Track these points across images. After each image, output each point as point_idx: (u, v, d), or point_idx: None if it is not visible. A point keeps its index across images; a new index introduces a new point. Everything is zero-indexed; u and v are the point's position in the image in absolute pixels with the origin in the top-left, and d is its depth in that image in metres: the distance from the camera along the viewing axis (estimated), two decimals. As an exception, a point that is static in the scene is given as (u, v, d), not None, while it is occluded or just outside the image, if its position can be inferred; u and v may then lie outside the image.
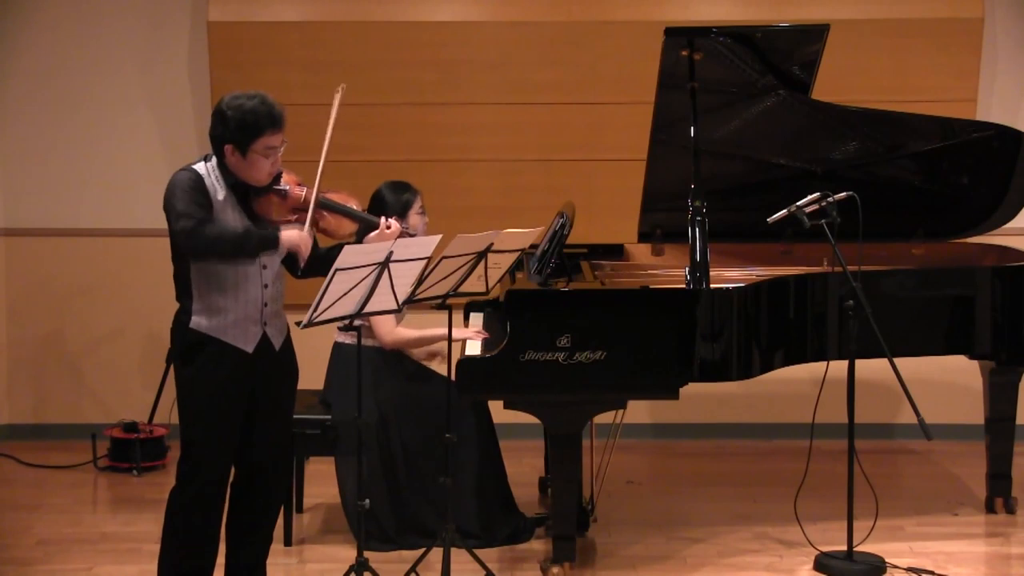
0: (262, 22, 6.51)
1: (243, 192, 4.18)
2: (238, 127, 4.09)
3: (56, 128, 6.69)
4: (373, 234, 4.37)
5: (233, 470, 4.33)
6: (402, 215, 5.09)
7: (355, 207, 4.36)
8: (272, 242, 4.14)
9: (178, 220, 4.03)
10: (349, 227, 4.33)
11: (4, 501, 5.85)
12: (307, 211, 4.19)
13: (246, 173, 4.15)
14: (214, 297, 4.13)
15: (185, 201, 4.05)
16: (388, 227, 4.37)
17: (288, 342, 4.35)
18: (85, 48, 6.65)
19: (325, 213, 4.28)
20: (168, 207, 4.08)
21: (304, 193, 4.24)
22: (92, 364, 6.79)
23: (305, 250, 4.17)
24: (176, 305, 4.22)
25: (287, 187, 4.22)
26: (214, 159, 4.18)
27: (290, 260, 4.27)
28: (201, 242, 4.04)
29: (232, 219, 4.13)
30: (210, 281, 4.13)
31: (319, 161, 4.21)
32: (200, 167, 4.16)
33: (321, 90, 6.47)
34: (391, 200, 5.10)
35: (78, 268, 6.75)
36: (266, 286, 4.21)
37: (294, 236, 4.15)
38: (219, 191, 4.13)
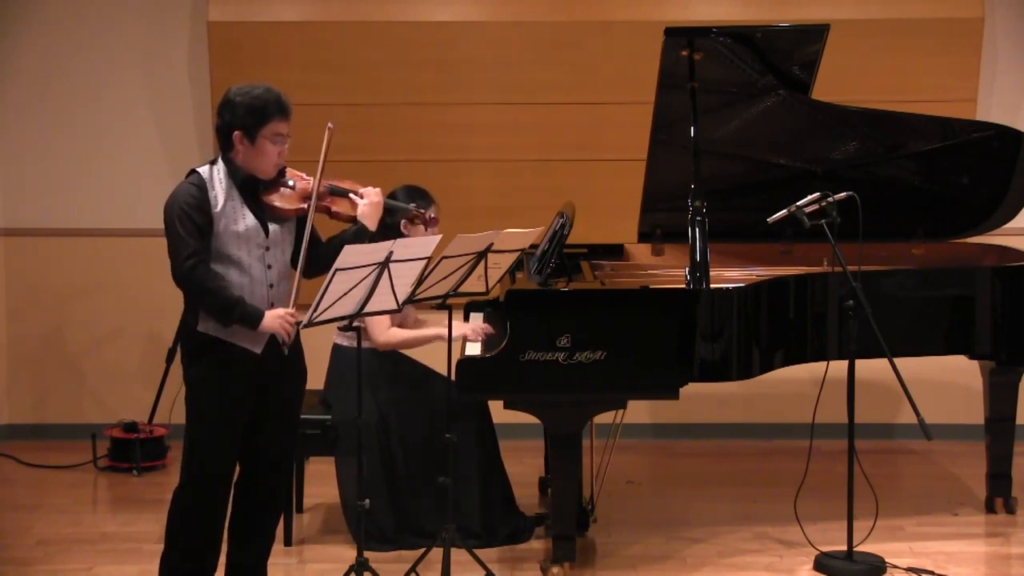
0: (262, 22, 6.51)
1: (252, 189, 4.18)
2: (247, 112, 4.11)
3: (56, 128, 6.69)
4: (361, 204, 4.35)
5: (238, 469, 4.33)
6: (412, 221, 5.08)
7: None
8: (254, 321, 4.10)
9: (180, 248, 4.07)
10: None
11: (4, 501, 5.85)
12: (317, 199, 4.22)
13: (254, 163, 4.16)
14: None
15: (184, 225, 4.07)
16: (361, 196, 4.35)
17: (297, 343, 4.35)
18: (85, 48, 6.65)
19: (335, 198, 4.30)
20: (169, 228, 4.11)
21: (311, 183, 4.26)
22: (92, 364, 6.79)
23: (285, 334, 4.13)
24: (180, 306, 4.23)
25: (294, 180, 4.25)
26: (220, 162, 4.19)
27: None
28: (194, 287, 4.09)
29: (238, 219, 4.14)
30: None
31: (316, 174, 4.21)
32: (205, 171, 4.17)
33: (321, 90, 6.53)
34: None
35: (78, 268, 6.75)
36: (271, 286, 4.22)
37: (276, 322, 4.12)
38: (220, 197, 4.13)
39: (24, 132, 6.70)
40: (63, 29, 6.64)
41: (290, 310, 4.16)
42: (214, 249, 4.13)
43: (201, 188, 4.12)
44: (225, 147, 4.18)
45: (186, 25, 6.65)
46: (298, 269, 4.19)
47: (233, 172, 4.17)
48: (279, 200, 4.21)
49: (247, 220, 4.16)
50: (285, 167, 4.25)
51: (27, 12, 6.62)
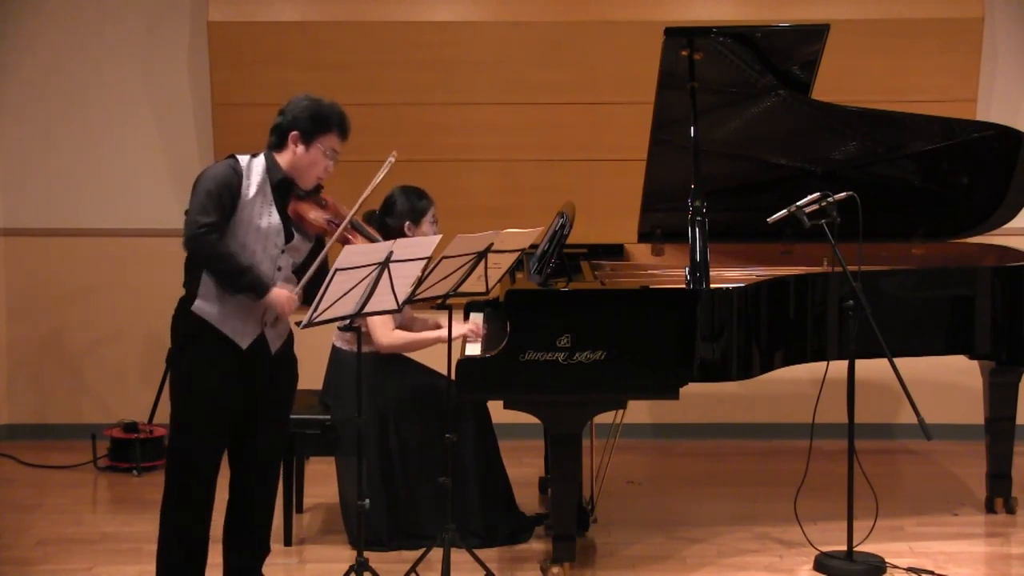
0: (262, 22, 6.51)
1: (285, 192, 4.21)
2: (311, 117, 4.18)
3: (56, 128, 6.69)
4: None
5: (229, 473, 4.33)
6: (415, 223, 5.09)
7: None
8: (262, 290, 4.13)
9: (196, 215, 4.08)
10: None
11: (4, 501, 5.85)
12: (338, 224, 4.23)
13: (300, 169, 4.21)
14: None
15: (211, 197, 4.09)
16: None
17: (288, 348, 4.35)
18: (85, 48, 6.65)
19: (357, 234, 4.31)
20: (196, 194, 4.13)
21: (340, 208, 4.30)
22: (92, 364, 6.79)
23: (287, 312, 4.18)
24: (178, 300, 4.23)
25: (327, 200, 4.30)
26: (262, 157, 4.22)
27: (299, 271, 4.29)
28: (204, 249, 4.09)
29: (263, 215, 4.16)
30: None
31: (358, 199, 4.20)
32: (244, 159, 4.20)
33: (321, 90, 6.47)
34: (403, 206, 5.09)
35: (78, 268, 6.75)
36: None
37: (283, 298, 4.16)
38: (252, 188, 4.15)
39: (24, 132, 6.70)
40: (63, 29, 6.64)
41: (297, 291, 4.18)
42: (231, 235, 4.14)
43: (238, 173, 4.16)
44: (275, 145, 4.23)
45: (186, 25, 6.65)
46: (299, 287, 4.19)
47: (272, 170, 4.21)
48: (308, 212, 4.24)
49: (271, 219, 4.19)
50: (322, 185, 4.30)
51: (27, 12, 6.62)
